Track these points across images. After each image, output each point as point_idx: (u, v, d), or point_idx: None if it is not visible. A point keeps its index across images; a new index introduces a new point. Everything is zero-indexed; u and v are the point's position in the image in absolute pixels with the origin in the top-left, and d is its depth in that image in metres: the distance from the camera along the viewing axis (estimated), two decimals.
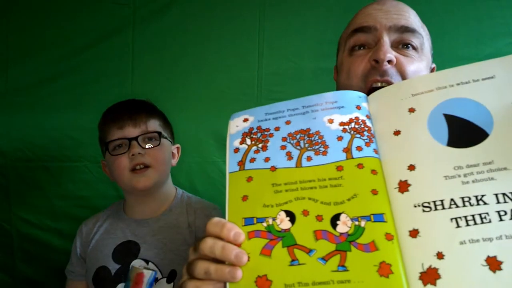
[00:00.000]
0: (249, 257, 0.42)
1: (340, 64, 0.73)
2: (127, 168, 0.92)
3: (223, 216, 0.45)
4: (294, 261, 0.40)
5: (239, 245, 0.42)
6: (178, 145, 1.03)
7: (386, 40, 0.64)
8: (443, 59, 1.11)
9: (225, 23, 1.13)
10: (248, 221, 0.44)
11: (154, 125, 0.98)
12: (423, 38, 0.68)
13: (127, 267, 0.92)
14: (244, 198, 0.46)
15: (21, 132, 1.15)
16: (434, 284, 0.35)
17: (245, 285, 0.40)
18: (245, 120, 0.53)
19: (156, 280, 0.91)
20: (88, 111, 1.01)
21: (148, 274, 0.88)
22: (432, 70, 0.72)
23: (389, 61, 0.63)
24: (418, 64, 0.66)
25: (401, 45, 0.66)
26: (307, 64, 1.10)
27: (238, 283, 0.41)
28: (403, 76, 0.65)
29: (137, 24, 1.14)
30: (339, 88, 0.73)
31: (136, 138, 0.93)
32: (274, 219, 0.43)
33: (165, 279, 0.93)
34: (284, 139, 0.49)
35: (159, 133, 0.97)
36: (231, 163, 0.49)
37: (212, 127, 1.13)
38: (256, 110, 0.54)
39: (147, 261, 0.93)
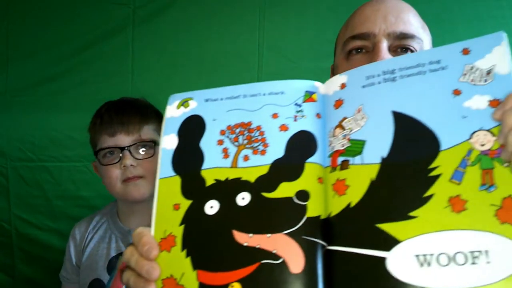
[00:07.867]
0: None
1: (336, 67, 0.72)
2: (119, 179, 0.87)
3: None
4: None
5: (152, 260, 0.40)
6: None
7: (384, 46, 0.62)
8: None
9: (225, 23, 1.13)
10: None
11: (148, 131, 0.90)
12: (422, 43, 0.66)
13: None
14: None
15: (21, 132, 1.15)
16: None
17: None
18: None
19: None
20: (88, 111, 1.01)
21: None
22: None
23: None
24: None
25: (400, 49, 0.64)
26: (307, 64, 1.09)
27: None
28: None
29: (137, 24, 1.14)
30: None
31: (128, 147, 0.86)
32: None
33: None
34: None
35: (154, 142, 0.90)
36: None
37: None
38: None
39: None
